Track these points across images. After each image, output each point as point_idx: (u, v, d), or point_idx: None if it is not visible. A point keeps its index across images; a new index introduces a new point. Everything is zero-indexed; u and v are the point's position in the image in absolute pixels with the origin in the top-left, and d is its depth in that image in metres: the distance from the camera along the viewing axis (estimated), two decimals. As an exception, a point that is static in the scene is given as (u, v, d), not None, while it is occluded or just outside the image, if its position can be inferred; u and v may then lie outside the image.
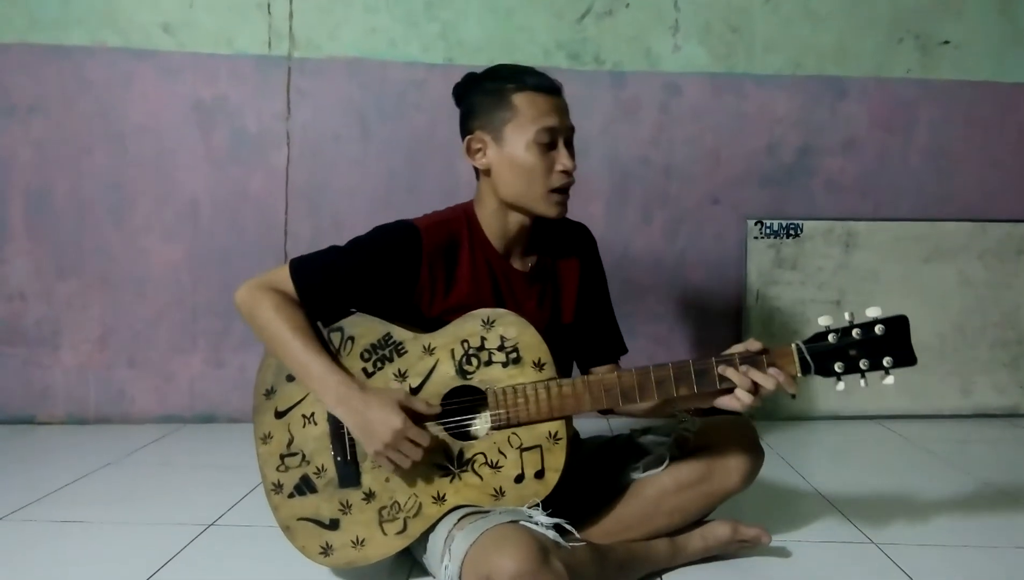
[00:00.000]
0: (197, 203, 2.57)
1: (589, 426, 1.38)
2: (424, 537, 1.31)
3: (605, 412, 1.44)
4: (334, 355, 1.32)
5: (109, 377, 2.57)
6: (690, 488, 1.43)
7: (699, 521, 1.50)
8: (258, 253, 2.56)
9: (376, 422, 1.23)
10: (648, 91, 2.65)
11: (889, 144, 2.73)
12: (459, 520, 1.25)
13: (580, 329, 1.50)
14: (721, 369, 1.25)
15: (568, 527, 1.25)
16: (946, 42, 2.72)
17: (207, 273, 2.58)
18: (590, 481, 1.48)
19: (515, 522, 1.21)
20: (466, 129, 1.40)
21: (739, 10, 2.66)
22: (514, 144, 1.34)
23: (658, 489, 1.43)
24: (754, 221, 2.69)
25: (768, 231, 2.70)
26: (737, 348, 1.28)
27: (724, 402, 1.28)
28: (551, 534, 1.21)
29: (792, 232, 2.70)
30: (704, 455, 1.44)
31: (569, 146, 1.37)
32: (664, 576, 1.45)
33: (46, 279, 2.54)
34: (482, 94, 1.37)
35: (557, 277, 1.48)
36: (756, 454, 1.46)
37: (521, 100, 1.33)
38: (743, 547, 1.50)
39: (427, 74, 2.59)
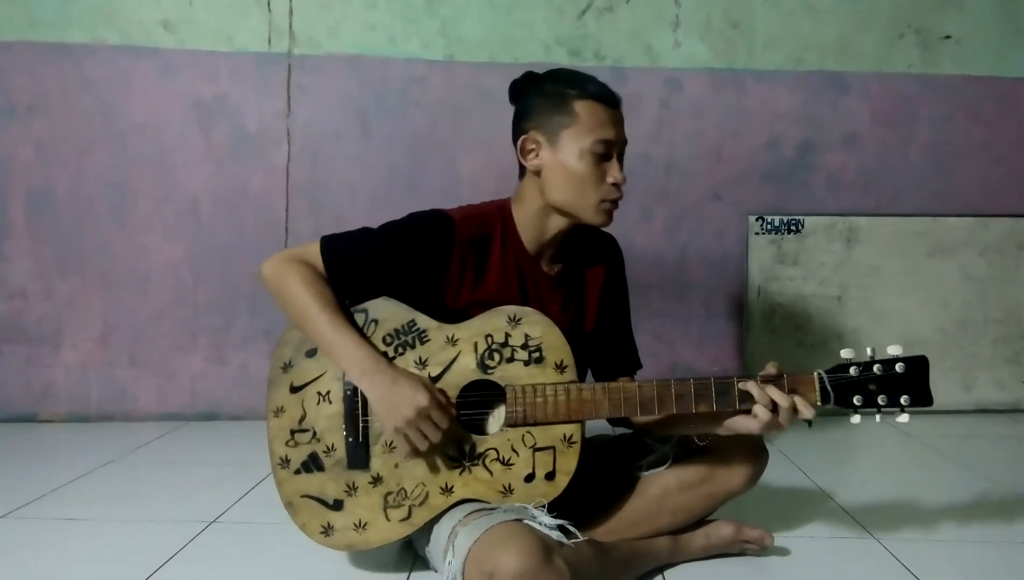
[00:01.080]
0: (198, 201, 2.56)
1: (592, 425, 1.38)
2: (427, 528, 1.31)
3: (617, 422, 1.43)
4: (360, 331, 1.31)
5: (111, 375, 2.57)
6: (693, 488, 1.43)
7: (702, 520, 1.50)
8: (259, 251, 2.54)
9: (401, 397, 1.23)
10: (649, 87, 2.65)
11: (890, 139, 2.73)
12: (464, 516, 1.25)
13: (599, 339, 1.50)
14: (741, 384, 1.25)
15: (571, 528, 1.24)
16: (947, 37, 2.71)
17: (208, 271, 2.57)
18: (595, 477, 1.47)
19: (519, 520, 1.21)
20: (520, 129, 1.39)
21: (740, 5, 2.65)
22: (568, 150, 1.33)
23: (662, 488, 1.43)
24: (755, 217, 2.69)
25: (769, 227, 2.69)
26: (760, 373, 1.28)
27: (740, 422, 1.28)
28: (555, 535, 1.21)
29: (793, 228, 2.70)
30: (708, 455, 1.43)
31: (621, 159, 1.37)
32: (666, 572, 1.45)
33: (47, 277, 2.54)
34: (541, 96, 1.36)
35: (582, 285, 1.48)
36: (760, 456, 1.46)
37: (582, 108, 1.33)
38: (745, 547, 1.51)
39: (427, 71, 2.58)
